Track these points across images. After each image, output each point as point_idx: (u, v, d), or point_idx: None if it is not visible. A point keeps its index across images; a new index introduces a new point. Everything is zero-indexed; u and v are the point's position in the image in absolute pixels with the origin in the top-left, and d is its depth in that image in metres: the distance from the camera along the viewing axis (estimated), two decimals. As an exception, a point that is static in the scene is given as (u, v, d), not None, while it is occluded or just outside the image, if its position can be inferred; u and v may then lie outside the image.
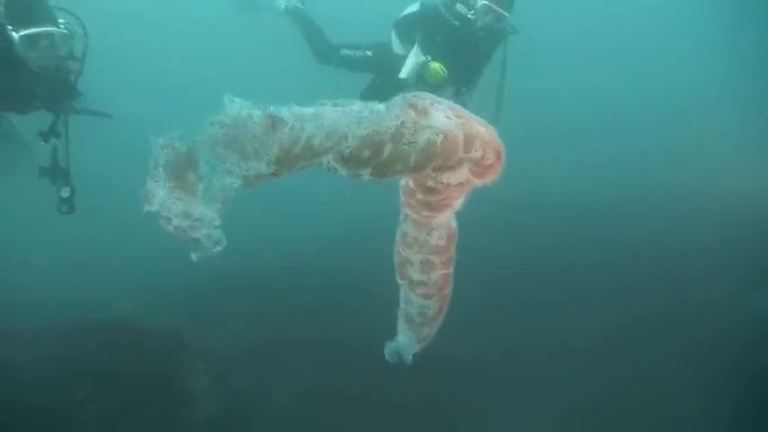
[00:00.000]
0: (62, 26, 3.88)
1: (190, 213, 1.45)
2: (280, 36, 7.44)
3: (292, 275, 5.62)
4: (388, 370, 3.57)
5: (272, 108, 1.31)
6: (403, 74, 5.54)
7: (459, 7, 5.51)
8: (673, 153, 9.73)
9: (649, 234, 6.57)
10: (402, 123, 1.32)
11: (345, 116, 1.30)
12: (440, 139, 1.36)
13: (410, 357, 2.05)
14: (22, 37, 3.74)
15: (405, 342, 2.04)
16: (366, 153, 1.34)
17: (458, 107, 1.50)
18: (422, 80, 5.55)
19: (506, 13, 5.43)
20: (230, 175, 1.43)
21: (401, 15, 5.87)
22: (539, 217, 7.33)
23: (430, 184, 1.61)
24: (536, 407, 4.13)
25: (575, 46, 13.70)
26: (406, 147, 1.34)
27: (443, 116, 1.39)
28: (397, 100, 1.38)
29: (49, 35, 3.80)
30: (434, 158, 1.40)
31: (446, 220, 1.99)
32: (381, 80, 5.93)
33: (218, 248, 1.49)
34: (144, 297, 5.13)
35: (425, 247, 2.02)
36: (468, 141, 1.42)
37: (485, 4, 5.38)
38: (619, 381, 4.38)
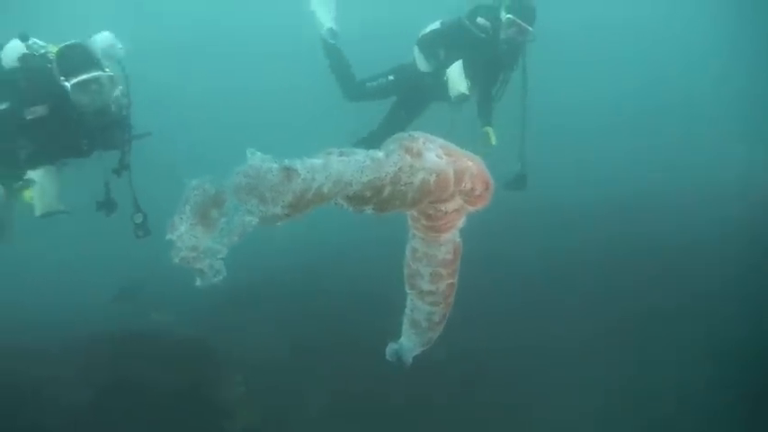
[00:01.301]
0: (107, 68, 4.18)
1: (198, 247, 1.63)
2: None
3: (316, 283, 5.84)
4: (420, 375, 3.81)
5: (287, 161, 1.53)
6: (453, 92, 5.58)
7: (481, 21, 5.57)
8: (673, 152, 9.80)
9: (654, 232, 6.67)
10: (399, 169, 1.52)
11: (350, 166, 1.51)
12: (433, 178, 1.57)
13: (410, 359, 2.25)
14: (73, 85, 4.06)
15: (408, 345, 2.24)
16: (368, 194, 1.55)
17: (448, 144, 1.71)
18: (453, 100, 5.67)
19: (530, 28, 5.48)
20: (250, 215, 1.64)
21: (424, 33, 5.96)
22: (542, 217, 7.45)
23: (430, 212, 1.82)
24: (559, 407, 4.28)
25: (574, 46, 13.63)
26: (403, 187, 1.55)
27: (435, 156, 1.60)
28: (393, 145, 1.59)
29: (97, 79, 4.11)
30: (429, 195, 1.60)
31: (451, 236, 2.19)
32: (405, 99, 6.11)
33: (219, 278, 1.63)
34: (178, 309, 5.37)
35: (434, 261, 2.22)
36: (459, 177, 1.63)
37: (510, 18, 5.44)
38: (635, 381, 4.50)
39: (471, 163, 1.68)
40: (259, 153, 1.60)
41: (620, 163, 9.70)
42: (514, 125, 5.72)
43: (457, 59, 5.59)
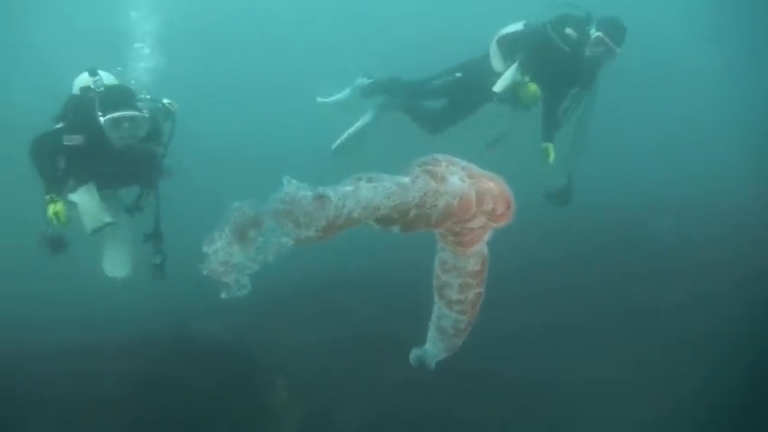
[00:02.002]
0: (144, 112, 4.57)
1: (228, 262, 1.73)
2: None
3: (352, 288, 5.97)
4: (458, 380, 3.91)
5: (320, 189, 1.65)
6: (497, 87, 5.53)
7: (569, 31, 5.38)
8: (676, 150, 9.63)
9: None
10: (425, 194, 1.64)
11: (378, 192, 1.63)
12: (456, 201, 1.68)
13: (433, 364, 2.35)
14: (107, 120, 4.47)
15: (432, 351, 2.35)
16: (395, 216, 1.67)
17: (470, 166, 1.81)
18: (515, 98, 5.57)
19: (618, 49, 5.32)
20: (286, 237, 1.77)
21: (505, 33, 5.85)
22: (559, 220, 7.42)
23: (457, 229, 1.92)
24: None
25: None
26: (428, 210, 1.66)
27: (458, 179, 1.71)
28: (418, 170, 1.70)
29: (131, 118, 4.50)
30: (452, 217, 1.71)
31: (479, 248, 2.29)
32: (466, 97, 5.98)
33: (244, 292, 1.73)
34: (221, 316, 5.58)
35: (463, 272, 2.32)
36: (480, 198, 1.73)
37: (599, 36, 5.28)
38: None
39: (493, 184, 1.78)
40: (295, 181, 1.74)
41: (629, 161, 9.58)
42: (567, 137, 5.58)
43: (534, 65, 5.45)
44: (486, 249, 2.30)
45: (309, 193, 1.65)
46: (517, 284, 5.00)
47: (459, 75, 6.03)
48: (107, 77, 4.88)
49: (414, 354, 2.40)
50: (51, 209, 4.53)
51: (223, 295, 1.74)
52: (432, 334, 2.34)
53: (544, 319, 5.29)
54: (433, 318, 2.31)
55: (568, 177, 5.41)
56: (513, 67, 5.54)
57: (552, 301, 5.52)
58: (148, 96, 4.77)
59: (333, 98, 6.79)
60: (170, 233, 4.79)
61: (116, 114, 4.46)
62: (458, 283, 2.33)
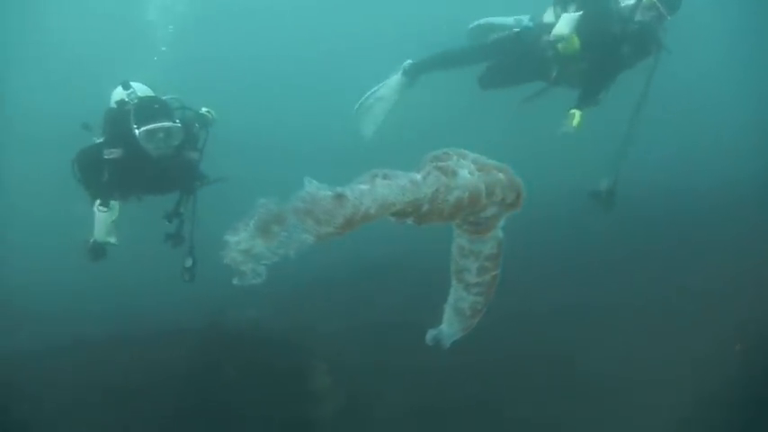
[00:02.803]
0: (177, 121, 4.75)
1: (248, 252, 1.79)
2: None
3: (375, 278, 6.10)
4: (491, 368, 4.01)
5: (338, 188, 1.77)
6: (555, 31, 5.35)
7: None
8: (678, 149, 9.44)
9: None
10: (436, 190, 1.74)
11: (392, 189, 1.74)
12: (466, 195, 1.78)
13: (449, 344, 2.46)
14: (141, 132, 4.65)
15: (448, 331, 2.46)
16: (409, 210, 1.78)
17: (480, 158, 1.90)
18: (555, 50, 5.44)
19: (669, 16, 5.21)
20: (306, 233, 1.89)
21: None
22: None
23: (471, 219, 2.03)
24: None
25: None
26: (440, 204, 1.77)
27: (467, 173, 1.80)
28: (429, 166, 1.80)
29: (165, 129, 4.68)
30: (463, 210, 1.81)
31: (495, 233, 2.38)
32: (517, 61, 5.84)
33: (258, 281, 1.77)
34: (263, 303, 5.77)
35: (481, 256, 2.42)
36: (490, 190, 1.82)
37: (652, 0, 5.15)
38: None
39: (502, 175, 1.87)
40: (315, 181, 1.86)
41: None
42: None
43: (583, 20, 5.27)
44: (501, 233, 2.40)
45: (329, 193, 1.77)
46: (526, 268, 5.09)
47: (516, 30, 5.88)
48: (140, 89, 5.07)
49: (430, 334, 2.51)
50: (102, 220, 4.80)
51: (235, 281, 1.78)
52: (448, 315, 2.45)
53: (564, 299, 5.35)
54: (450, 300, 2.42)
55: (614, 178, 5.24)
56: (571, 15, 5.40)
57: (570, 284, 5.58)
58: (181, 103, 4.98)
59: (374, 97, 6.46)
60: (208, 222, 4.93)
61: (150, 126, 4.64)
62: (476, 267, 2.43)
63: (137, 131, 4.66)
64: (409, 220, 1.84)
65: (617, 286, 5.62)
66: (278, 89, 13.66)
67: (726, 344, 4.70)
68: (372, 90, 6.46)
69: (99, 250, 4.85)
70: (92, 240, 4.82)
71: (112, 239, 4.91)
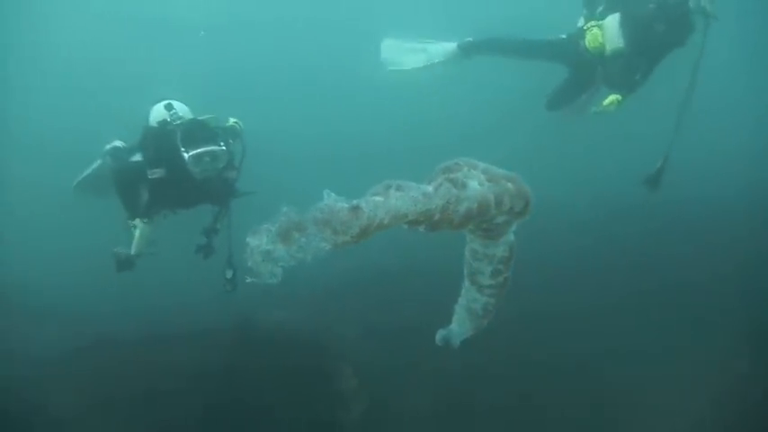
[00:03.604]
0: (221, 144, 4.80)
1: (269, 254, 1.86)
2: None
3: (392, 283, 6.17)
4: (514, 371, 4.06)
5: (354, 201, 1.87)
6: (609, 45, 5.27)
7: None
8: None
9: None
10: (447, 201, 1.83)
11: (405, 201, 1.83)
12: (475, 205, 1.86)
13: (458, 343, 2.56)
14: (190, 156, 4.71)
15: (458, 330, 2.55)
16: (421, 219, 1.88)
17: (490, 168, 1.98)
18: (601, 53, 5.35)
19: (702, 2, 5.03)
20: (324, 241, 1.99)
21: None
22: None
23: (483, 225, 2.11)
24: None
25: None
26: (450, 214, 1.86)
27: (477, 184, 1.89)
28: (441, 177, 1.89)
29: (211, 153, 4.74)
30: (472, 219, 1.90)
31: (507, 237, 2.47)
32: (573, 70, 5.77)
33: (273, 281, 1.82)
34: (290, 306, 5.88)
35: (494, 260, 2.51)
36: (499, 200, 1.91)
37: None
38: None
39: (511, 184, 1.95)
40: (333, 194, 1.96)
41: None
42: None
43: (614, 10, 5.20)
44: (513, 237, 2.47)
45: (345, 205, 1.87)
46: (534, 269, 5.11)
47: (563, 36, 5.80)
48: (181, 109, 5.14)
49: (440, 334, 2.61)
50: (142, 235, 4.99)
51: (248, 280, 1.84)
52: (459, 315, 2.55)
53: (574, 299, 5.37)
54: (462, 301, 2.51)
55: (664, 159, 5.19)
56: (613, 19, 5.30)
57: (577, 286, 5.60)
58: (217, 122, 5.00)
59: (419, 45, 6.26)
60: (238, 227, 5.07)
61: (199, 151, 4.69)
62: (489, 270, 2.52)
63: (185, 155, 4.71)
64: (421, 228, 1.94)
65: (630, 289, 5.61)
66: (290, 96, 13.82)
67: (739, 349, 4.67)
68: (423, 39, 6.37)
69: (128, 263, 5.00)
70: (124, 252, 4.96)
71: (149, 250, 5.05)
